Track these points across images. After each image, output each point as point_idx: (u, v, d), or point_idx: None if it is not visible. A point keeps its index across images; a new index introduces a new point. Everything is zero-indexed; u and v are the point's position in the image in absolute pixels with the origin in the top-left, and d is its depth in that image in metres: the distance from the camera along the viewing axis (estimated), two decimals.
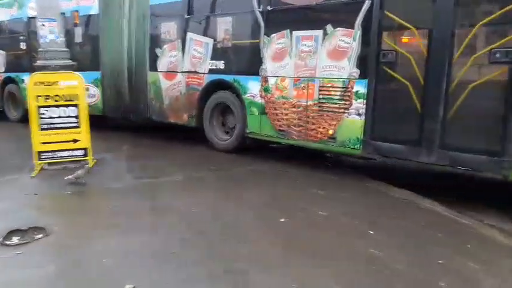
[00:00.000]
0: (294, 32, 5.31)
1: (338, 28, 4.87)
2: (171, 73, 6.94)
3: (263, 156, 6.13)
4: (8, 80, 9.56)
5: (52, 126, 5.21)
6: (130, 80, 7.44)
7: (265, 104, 5.72)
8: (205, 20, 6.52)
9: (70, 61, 5.54)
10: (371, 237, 3.36)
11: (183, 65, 6.75)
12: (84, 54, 8.33)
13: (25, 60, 9.10)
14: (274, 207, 4.01)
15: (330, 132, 5.03)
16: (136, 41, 7.28)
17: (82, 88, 5.31)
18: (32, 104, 5.12)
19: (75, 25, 8.16)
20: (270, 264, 2.93)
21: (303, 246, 3.21)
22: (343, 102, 4.86)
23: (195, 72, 6.58)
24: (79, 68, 8.01)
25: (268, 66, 5.63)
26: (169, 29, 6.95)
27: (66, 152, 5.29)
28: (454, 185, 5.00)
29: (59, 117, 5.22)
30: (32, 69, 5.70)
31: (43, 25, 5.27)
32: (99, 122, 7.81)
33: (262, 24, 5.64)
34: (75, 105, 5.27)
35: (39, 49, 5.46)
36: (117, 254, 3.07)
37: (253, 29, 5.84)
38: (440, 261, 2.95)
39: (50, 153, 5.23)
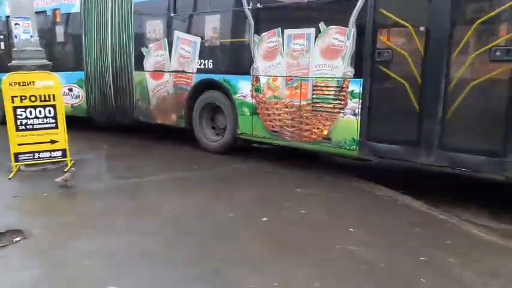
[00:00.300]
0: (285, 31, 5.16)
1: (331, 26, 4.74)
2: (157, 73, 6.74)
3: (254, 157, 6.02)
4: None
5: (29, 127, 5.12)
6: (115, 80, 7.21)
7: (257, 104, 5.57)
8: (192, 18, 6.34)
9: (46, 61, 5.42)
10: (357, 236, 3.38)
11: (170, 65, 6.55)
12: (67, 53, 8.08)
13: (5, 60, 8.72)
14: (262, 207, 4.00)
15: (325, 132, 4.91)
16: (120, 40, 7.04)
17: (59, 88, 5.22)
18: (7, 105, 5.01)
19: (57, 23, 7.87)
20: (254, 264, 2.93)
21: (289, 246, 3.21)
22: (338, 102, 4.74)
23: (183, 71, 6.39)
24: (62, 68, 7.81)
25: (260, 65, 5.48)
26: (155, 27, 6.74)
27: (44, 153, 5.20)
28: (449, 184, 4.93)
29: (36, 117, 5.12)
30: (13, 68, 5.57)
31: (17, 24, 5.14)
32: (83, 122, 7.70)
33: (252, 22, 5.48)
34: (52, 106, 5.18)
35: (14, 49, 5.32)
36: (98, 255, 3.04)
37: (242, 27, 5.69)
38: (422, 258, 2.99)
39: (27, 155, 5.14)
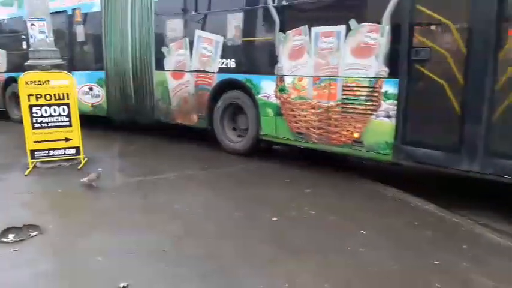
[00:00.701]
0: (312, 28, 4.92)
1: (363, 23, 4.47)
2: (178, 72, 6.57)
3: (267, 157, 5.89)
4: (11, 80, 9.18)
5: (44, 125, 5.24)
6: (136, 79, 7.06)
7: (281, 105, 5.34)
8: (214, 17, 6.14)
9: (60, 60, 5.54)
10: (368, 238, 3.32)
11: (191, 64, 6.38)
12: (87, 53, 8.00)
13: (27, 60, 8.75)
14: (272, 207, 3.98)
15: (355, 135, 4.65)
16: (141, 39, 6.90)
17: (73, 87, 5.34)
18: (24, 104, 5.14)
19: (77, 23, 7.78)
20: (263, 264, 2.93)
21: (299, 247, 3.18)
22: (370, 103, 4.47)
23: (204, 71, 6.21)
24: (83, 67, 7.74)
25: (285, 64, 5.25)
26: (175, 26, 6.58)
27: (58, 150, 5.32)
28: (463, 187, 4.63)
29: (51, 116, 5.24)
30: (28, 68, 5.61)
31: (33, 25, 5.23)
32: (99, 121, 7.74)
33: (276, 20, 5.25)
34: (66, 104, 5.27)
35: (30, 49, 5.39)
36: (110, 252, 3.11)
37: (267, 26, 5.48)
38: (436, 262, 2.91)
39: (42, 152, 5.27)
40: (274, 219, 3.67)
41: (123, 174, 5.17)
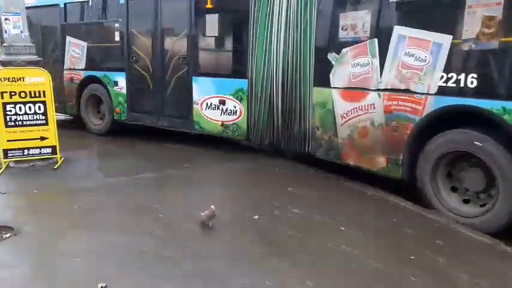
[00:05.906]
0: None
1: None
2: (355, 91, 4.43)
3: (247, 157, 5.68)
4: (91, 80, 7.26)
5: (18, 123, 5.10)
6: (285, 95, 5.06)
7: None
8: (433, 6, 3.84)
9: (36, 56, 5.34)
10: (348, 236, 3.36)
11: (381, 79, 4.16)
12: (220, 53, 5.95)
13: (117, 55, 6.88)
14: (254, 206, 3.91)
15: None
16: (296, 40, 4.81)
17: (49, 85, 5.17)
18: None
19: (208, 11, 5.58)
20: (244, 263, 2.92)
21: (281, 245, 3.21)
22: None
23: (408, 91, 3.95)
24: (210, 73, 5.87)
25: None
26: (354, 22, 4.37)
27: (33, 149, 5.21)
28: None
29: (26, 114, 5.11)
30: (3, 64, 5.16)
31: (7, 19, 5.15)
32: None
33: None
34: (43, 102, 5.16)
35: (4, 44, 5.25)
36: (88, 253, 3.06)
37: None
38: (412, 257, 3.00)
39: (16, 151, 5.15)
40: (256, 217, 3.64)
41: (102, 174, 5.13)
